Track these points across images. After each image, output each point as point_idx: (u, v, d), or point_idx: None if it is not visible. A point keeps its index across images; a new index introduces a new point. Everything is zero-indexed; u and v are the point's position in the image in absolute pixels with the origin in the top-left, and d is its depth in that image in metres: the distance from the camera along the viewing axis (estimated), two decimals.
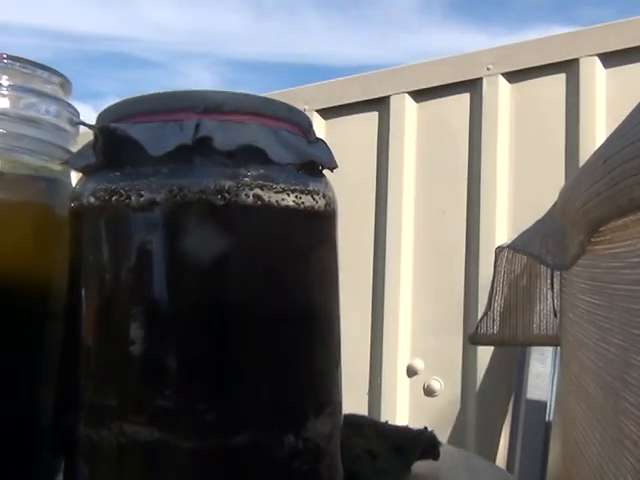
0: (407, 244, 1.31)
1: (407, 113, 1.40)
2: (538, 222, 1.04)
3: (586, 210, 0.63)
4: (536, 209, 1.03)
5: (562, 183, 1.18)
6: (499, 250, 1.13)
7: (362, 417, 0.53)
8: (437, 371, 1.32)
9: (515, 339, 1.22)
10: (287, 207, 0.37)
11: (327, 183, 0.41)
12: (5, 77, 0.47)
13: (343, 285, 0.41)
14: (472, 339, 1.22)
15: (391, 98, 1.43)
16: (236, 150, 0.37)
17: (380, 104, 1.44)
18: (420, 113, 1.41)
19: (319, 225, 0.40)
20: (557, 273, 1.05)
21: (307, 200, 0.38)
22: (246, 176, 0.37)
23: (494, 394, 1.29)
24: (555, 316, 1.13)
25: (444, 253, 1.28)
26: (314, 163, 0.40)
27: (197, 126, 0.37)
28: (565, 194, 0.81)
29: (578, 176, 0.73)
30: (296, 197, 0.38)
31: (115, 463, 0.36)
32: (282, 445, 0.36)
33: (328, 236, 0.40)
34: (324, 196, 0.40)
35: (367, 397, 1.35)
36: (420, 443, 0.50)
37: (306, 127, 0.41)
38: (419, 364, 1.34)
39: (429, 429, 0.52)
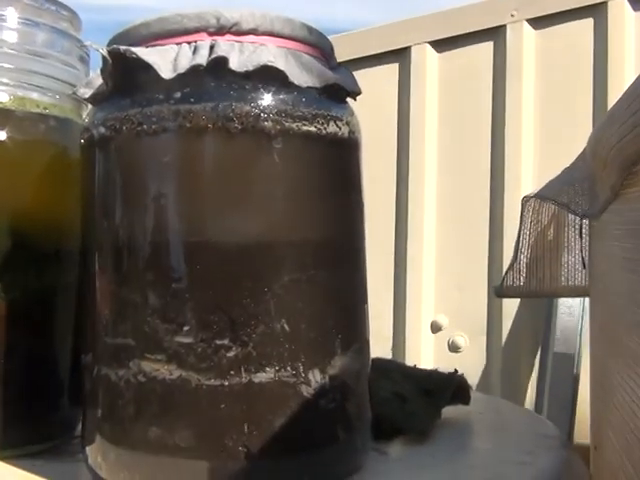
0: (430, 197, 1.28)
1: (428, 64, 1.36)
2: (565, 170, 1.01)
3: (620, 147, 0.60)
4: (563, 159, 0.99)
5: (590, 132, 1.15)
6: (525, 200, 1.10)
7: (389, 361, 0.51)
8: (461, 327, 1.30)
9: (542, 291, 1.19)
10: (308, 133, 0.35)
11: (351, 109, 0.39)
12: (12, 9, 0.45)
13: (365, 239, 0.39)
14: (498, 292, 1.19)
15: (412, 49, 1.39)
16: (253, 72, 0.34)
17: (400, 55, 1.40)
18: (442, 64, 1.37)
19: (342, 153, 0.38)
20: (586, 222, 1.02)
21: (330, 126, 0.36)
22: (264, 100, 0.34)
23: (520, 349, 1.27)
24: (584, 267, 1.10)
25: (468, 205, 1.25)
26: (337, 87, 0.37)
27: (212, 47, 0.34)
28: (595, 137, 0.78)
29: (609, 116, 0.70)
30: (318, 123, 0.36)
31: (134, 403, 0.35)
32: (308, 382, 0.35)
33: (352, 164, 0.38)
34: (347, 123, 0.37)
35: (391, 353, 1.34)
36: (450, 386, 0.48)
37: (328, 51, 0.39)
38: (443, 320, 1.32)
39: (459, 372, 0.50)
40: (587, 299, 1.22)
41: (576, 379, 1.19)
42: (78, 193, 0.39)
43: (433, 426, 0.45)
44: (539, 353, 1.25)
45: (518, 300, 1.29)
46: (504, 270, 1.12)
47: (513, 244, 1.09)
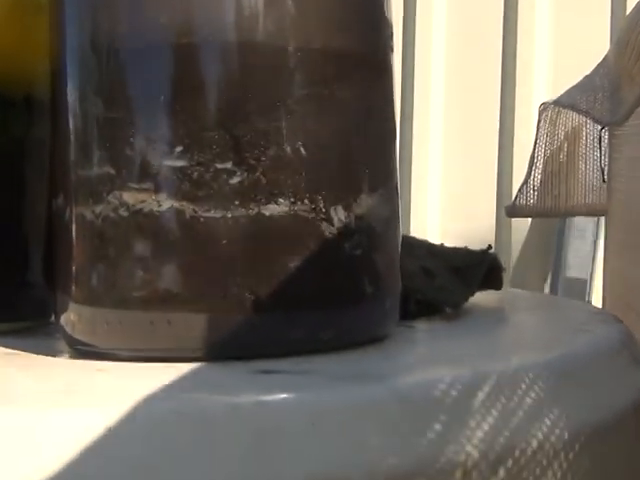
0: (436, 104, 1.19)
1: None
2: (586, 77, 0.94)
3: None
4: (580, 62, 0.92)
5: (608, 32, 1.07)
6: (542, 108, 1.03)
7: (412, 237, 0.45)
8: None
9: (557, 209, 1.13)
10: None
11: None
12: None
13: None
14: (510, 211, 1.12)
15: None
16: None
17: None
18: None
19: None
20: (605, 136, 0.95)
21: None
22: None
23: (530, 275, 1.21)
24: (604, 181, 1.04)
25: (476, 114, 1.18)
26: None
27: None
28: (621, 40, 0.71)
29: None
30: None
31: (114, 243, 0.28)
32: (329, 219, 0.28)
33: None
34: None
35: None
36: (482, 264, 0.42)
37: None
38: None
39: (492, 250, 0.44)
40: (602, 221, 1.16)
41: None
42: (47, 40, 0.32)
43: (465, 302, 0.39)
44: (549, 279, 1.20)
45: (527, 224, 1.23)
46: (514, 192, 1.05)
47: (523, 160, 1.02)
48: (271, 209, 0.27)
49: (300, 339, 0.27)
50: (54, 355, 0.30)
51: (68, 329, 0.30)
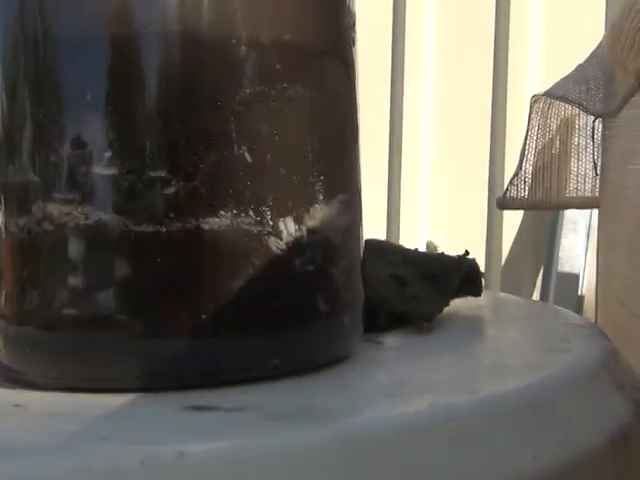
0: (426, 95, 1.16)
1: None
2: (579, 67, 0.91)
3: None
4: (574, 52, 0.89)
5: (603, 21, 1.04)
6: (534, 100, 1.00)
7: (385, 242, 0.42)
8: (459, 246, 1.22)
9: (549, 202, 1.10)
10: None
11: None
12: None
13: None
14: (500, 203, 1.10)
15: None
16: None
17: None
18: None
19: None
20: (598, 127, 0.93)
21: None
22: None
23: (521, 269, 1.18)
24: (596, 173, 1.01)
25: (467, 106, 1.14)
26: None
27: None
28: (614, 29, 0.68)
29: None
30: None
31: (39, 259, 0.25)
32: (278, 233, 0.25)
33: None
34: None
35: None
36: (459, 270, 0.39)
37: None
38: (440, 240, 1.23)
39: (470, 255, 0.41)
40: (595, 215, 1.13)
41: (581, 300, 1.11)
42: None
43: (439, 313, 0.36)
44: (541, 273, 1.17)
45: (520, 217, 1.20)
46: (506, 182, 1.02)
47: (515, 155, 0.99)
48: (211, 222, 0.24)
49: (244, 367, 0.25)
50: None
51: None
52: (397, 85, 1.05)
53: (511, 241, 1.19)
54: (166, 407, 0.23)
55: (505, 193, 1.07)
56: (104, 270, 0.24)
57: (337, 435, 0.20)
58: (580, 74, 0.88)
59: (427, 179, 1.20)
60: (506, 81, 1.02)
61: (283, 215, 0.25)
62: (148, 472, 0.18)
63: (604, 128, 0.89)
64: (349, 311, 0.28)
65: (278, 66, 0.26)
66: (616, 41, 0.68)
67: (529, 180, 1.05)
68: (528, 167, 1.05)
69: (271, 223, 0.25)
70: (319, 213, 0.27)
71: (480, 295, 0.42)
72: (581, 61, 0.88)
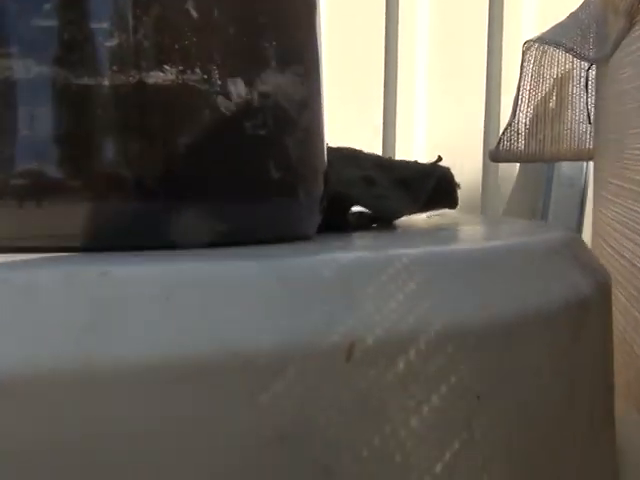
0: (422, 41, 1.13)
1: None
2: (572, 15, 0.90)
3: None
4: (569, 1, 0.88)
5: None
6: (527, 46, 0.99)
7: (359, 150, 0.41)
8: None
9: (542, 154, 1.09)
10: None
11: None
12: None
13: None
14: (493, 155, 1.08)
15: None
16: None
17: None
18: None
19: None
20: (592, 75, 0.91)
21: None
22: None
23: None
24: (589, 122, 0.99)
25: (462, 56, 1.12)
26: None
27: None
28: None
29: None
30: None
31: None
32: (226, 93, 0.25)
33: None
34: None
35: None
36: (431, 176, 0.38)
37: None
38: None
39: (444, 164, 0.40)
40: (590, 168, 1.12)
41: None
42: None
43: (408, 214, 0.36)
44: None
45: (515, 172, 1.19)
46: (501, 131, 1.01)
47: (511, 102, 0.98)
48: (155, 76, 0.24)
49: (188, 231, 0.24)
50: None
51: None
52: (391, 38, 1.04)
53: (507, 194, 1.18)
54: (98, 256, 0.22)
55: (498, 145, 1.05)
56: (44, 124, 0.24)
57: (267, 265, 0.19)
58: (573, 20, 0.87)
59: (422, 130, 1.18)
60: (501, 32, 1.00)
61: (233, 75, 0.25)
62: (71, 288, 0.17)
63: (598, 75, 0.88)
64: (304, 186, 0.28)
65: None
66: None
67: (522, 132, 1.03)
68: (521, 118, 1.03)
69: (219, 82, 0.24)
70: (271, 78, 0.26)
71: (456, 207, 0.41)
72: (574, 9, 0.86)
